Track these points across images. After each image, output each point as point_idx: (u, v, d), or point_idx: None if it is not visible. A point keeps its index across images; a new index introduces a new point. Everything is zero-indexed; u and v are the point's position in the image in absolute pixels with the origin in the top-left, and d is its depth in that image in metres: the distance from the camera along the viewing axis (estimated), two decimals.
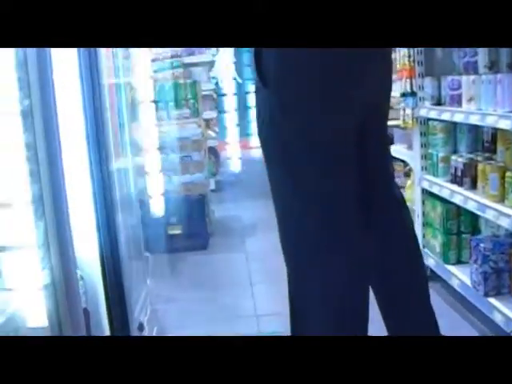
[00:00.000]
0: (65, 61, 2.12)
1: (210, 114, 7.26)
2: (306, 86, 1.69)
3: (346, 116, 1.76)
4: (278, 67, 1.70)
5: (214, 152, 7.29)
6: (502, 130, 2.84)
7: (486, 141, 3.31)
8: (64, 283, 1.62)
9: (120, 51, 3.20)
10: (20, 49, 1.53)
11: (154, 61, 6.98)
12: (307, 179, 1.75)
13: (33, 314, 1.70)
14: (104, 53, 2.57)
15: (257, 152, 9.11)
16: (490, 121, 2.67)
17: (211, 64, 7.85)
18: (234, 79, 9.38)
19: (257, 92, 1.83)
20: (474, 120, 2.83)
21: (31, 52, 1.52)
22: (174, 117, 4.87)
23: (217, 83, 8.25)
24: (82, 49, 2.20)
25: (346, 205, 1.77)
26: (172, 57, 7.11)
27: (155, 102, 4.82)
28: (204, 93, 6.76)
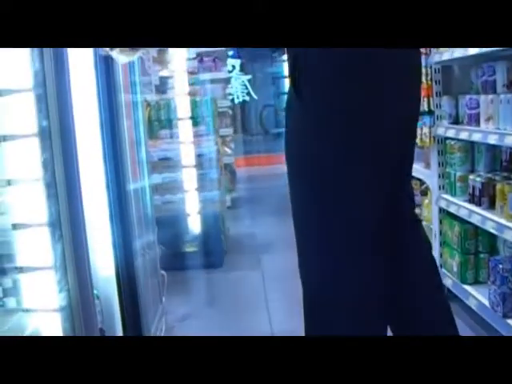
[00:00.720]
0: (82, 79, 2.14)
1: (226, 130, 7.27)
2: (346, 99, 1.66)
3: (386, 131, 1.72)
4: (317, 80, 1.67)
5: (230, 169, 7.30)
6: None
7: (504, 160, 3.29)
8: (81, 305, 1.62)
9: (137, 67, 3.22)
10: (39, 69, 1.54)
11: (169, 78, 7.09)
12: (339, 196, 1.70)
13: (50, 334, 1.70)
14: (121, 70, 2.59)
15: (273, 169, 9.15)
16: (509, 141, 2.65)
17: (227, 81, 7.88)
18: (249, 95, 9.85)
19: (289, 107, 1.79)
20: (493, 140, 2.81)
21: (49, 72, 1.53)
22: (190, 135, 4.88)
23: (233, 99, 8.25)
24: (99, 67, 2.21)
25: (375, 223, 1.73)
26: (188, 73, 7.21)
27: (170, 119, 4.90)
28: (220, 110, 6.79)
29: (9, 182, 1.57)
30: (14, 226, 1.59)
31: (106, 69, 2.29)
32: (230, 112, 7.60)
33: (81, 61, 2.11)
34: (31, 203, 1.60)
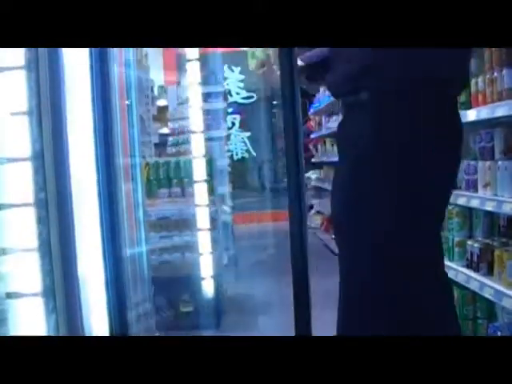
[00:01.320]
0: (77, 109, 2.07)
1: (224, 189, 7.18)
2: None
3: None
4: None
5: (227, 227, 7.27)
6: None
7: (502, 225, 3.28)
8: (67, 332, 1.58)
9: (136, 125, 3.23)
10: (33, 93, 1.56)
11: (168, 135, 6.98)
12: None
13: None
14: (119, 130, 2.58)
15: (271, 226, 9.11)
16: (507, 208, 2.65)
17: (226, 138, 7.91)
18: (248, 152, 9.94)
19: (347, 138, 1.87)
20: (490, 206, 2.81)
21: (44, 98, 1.55)
22: (189, 194, 4.86)
23: (232, 156, 8.35)
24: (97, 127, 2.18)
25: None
26: (188, 132, 7.22)
27: (169, 178, 4.89)
28: (219, 167, 6.78)
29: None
30: None
31: (104, 129, 2.27)
32: (229, 169, 7.60)
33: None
34: (21, 226, 1.58)
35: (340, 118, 2.00)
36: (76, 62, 1.77)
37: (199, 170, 4.84)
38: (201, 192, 4.80)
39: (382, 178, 1.76)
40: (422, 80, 1.70)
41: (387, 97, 1.74)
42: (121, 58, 2.76)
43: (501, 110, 2.68)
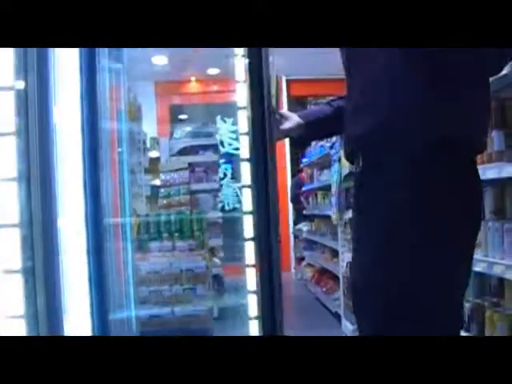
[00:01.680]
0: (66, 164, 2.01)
1: (215, 241, 7.08)
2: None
3: None
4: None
5: (218, 279, 7.22)
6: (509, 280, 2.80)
7: (493, 285, 3.27)
8: None
9: (127, 182, 3.22)
10: (21, 112, 1.51)
11: (160, 187, 7.08)
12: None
13: None
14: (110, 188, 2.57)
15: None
16: (498, 270, 2.64)
17: (218, 190, 7.92)
18: (240, 203, 9.68)
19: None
20: (481, 267, 2.80)
21: (32, 117, 1.51)
22: (179, 248, 4.86)
23: (223, 207, 8.32)
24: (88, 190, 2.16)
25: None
26: (179, 183, 7.20)
27: (160, 232, 4.88)
28: (210, 220, 6.75)
29: None
30: None
31: (94, 191, 2.24)
32: (221, 221, 7.57)
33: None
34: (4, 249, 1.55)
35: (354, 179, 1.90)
36: (67, 116, 1.73)
37: (190, 224, 4.86)
38: (192, 246, 4.80)
39: (400, 243, 1.65)
40: (439, 142, 1.62)
41: (401, 161, 1.65)
42: (112, 111, 2.72)
43: (491, 172, 2.69)
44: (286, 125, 2.06)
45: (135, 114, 4.89)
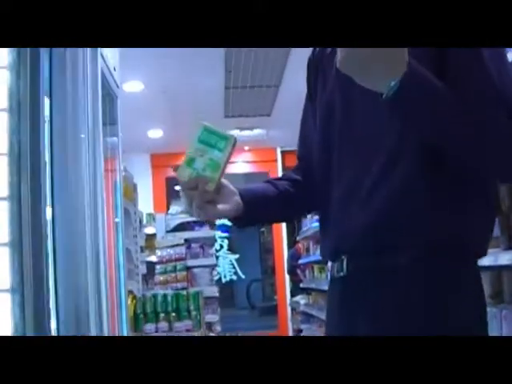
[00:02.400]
0: None
1: (212, 317, 7.20)
2: None
3: None
4: None
5: None
6: None
7: None
8: None
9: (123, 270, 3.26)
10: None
11: (157, 263, 7.16)
12: None
13: None
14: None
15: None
16: None
17: (214, 267, 8.25)
18: (236, 274, 10.02)
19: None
20: None
21: (25, 157, 1.60)
22: (176, 329, 4.85)
23: (220, 279, 8.80)
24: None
25: None
26: (176, 260, 7.34)
27: (156, 312, 4.90)
28: (207, 296, 6.79)
29: None
30: None
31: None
32: (217, 295, 7.58)
33: None
34: None
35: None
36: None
37: (187, 303, 4.94)
38: (188, 326, 4.83)
39: None
40: (442, 245, 1.42)
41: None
42: (108, 189, 2.82)
43: (487, 260, 2.44)
44: (222, 206, 1.53)
45: (131, 195, 4.88)
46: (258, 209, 1.67)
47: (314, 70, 1.69)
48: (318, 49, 1.66)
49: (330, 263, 1.68)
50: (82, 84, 2.24)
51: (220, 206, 1.55)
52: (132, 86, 6.96)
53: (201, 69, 6.65)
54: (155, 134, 9.49)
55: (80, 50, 2.23)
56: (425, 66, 1.30)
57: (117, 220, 3.19)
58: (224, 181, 1.54)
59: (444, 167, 1.40)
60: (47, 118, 1.96)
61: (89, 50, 2.29)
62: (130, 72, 6.09)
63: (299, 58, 6.57)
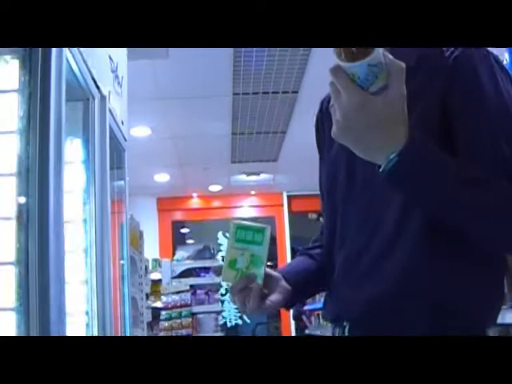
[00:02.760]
0: None
1: None
2: None
3: None
4: None
5: None
6: None
7: None
8: None
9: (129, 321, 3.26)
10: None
11: (162, 309, 7.20)
12: None
13: None
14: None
15: None
16: None
17: (219, 313, 8.23)
18: (242, 318, 9.43)
19: None
20: None
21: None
22: None
23: (225, 323, 8.50)
24: None
25: None
26: (181, 306, 7.40)
27: None
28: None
29: None
30: None
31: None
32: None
33: None
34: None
35: None
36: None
37: None
38: None
39: None
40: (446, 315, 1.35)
41: None
42: (114, 232, 2.77)
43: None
44: (275, 297, 1.48)
45: (137, 243, 4.96)
46: (305, 288, 1.64)
47: (322, 128, 1.65)
48: (324, 106, 1.62)
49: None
50: (92, 137, 2.28)
51: (273, 298, 1.50)
52: (139, 132, 7.01)
53: (208, 115, 6.72)
54: (162, 178, 9.51)
55: (89, 105, 2.27)
56: (429, 132, 1.26)
57: (122, 262, 3.17)
58: (267, 270, 1.49)
59: (448, 240, 1.33)
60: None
61: (97, 104, 2.32)
62: (137, 117, 6.14)
63: (306, 104, 6.72)
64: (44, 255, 1.59)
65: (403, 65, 1.11)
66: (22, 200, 1.59)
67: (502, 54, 2.43)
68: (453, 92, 1.30)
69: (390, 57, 1.10)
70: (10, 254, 1.58)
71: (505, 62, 2.44)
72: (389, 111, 1.11)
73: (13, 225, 1.59)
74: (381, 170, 1.17)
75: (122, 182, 3.17)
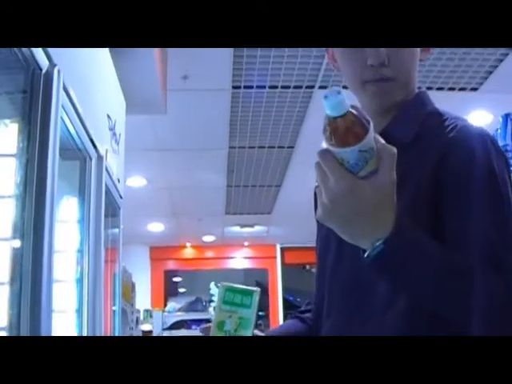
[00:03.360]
0: None
1: None
2: None
3: None
4: None
5: None
6: None
7: None
8: None
9: None
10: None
11: None
12: None
13: None
14: None
15: None
16: None
17: None
18: None
19: None
20: None
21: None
22: None
23: None
24: None
25: None
26: None
27: None
28: None
29: None
30: None
31: None
32: None
33: None
34: None
35: None
36: None
37: None
38: None
39: None
40: None
41: None
42: (106, 294, 2.74)
43: None
44: None
45: (129, 295, 4.96)
46: None
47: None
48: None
49: None
50: (88, 197, 2.29)
51: None
52: (135, 182, 7.04)
53: (204, 167, 6.76)
54: (156, 227, 9.50)
55: (86, 165, 2.29)
56: (418, 215, 1.24)
57: (114, 308, 3.15)
58: (255, 332, 1.48)
59: (431, 321, 1.27)
60: None
61: (94, 164, 2.34)
62: (133, 168, 6.19)
63: (301, 159, 6.73)
64: (36, 318, 1.58)
65: (395, 150, 1.07)
66: (16, 265, 1.59)
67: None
68: (446, 173, 1.29)
69: (382, 141, 1.06)
70: (2, 319, 1.57)
71: None
72: (377, 197, 1.08)
73: (6, 289, 1.58)
74: (365, 255, 1.13)
75: (116, 230, 3.15)
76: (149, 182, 7.21)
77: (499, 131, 2.62)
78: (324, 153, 1.06)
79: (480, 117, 5.41)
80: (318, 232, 1.64)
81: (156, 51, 3.47)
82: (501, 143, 2.56)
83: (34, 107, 1.65)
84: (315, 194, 1.65)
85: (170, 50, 4.12)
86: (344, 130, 1.00)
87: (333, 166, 1.06)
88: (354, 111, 1.00)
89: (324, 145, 1.05)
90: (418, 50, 1.40)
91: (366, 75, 1.37)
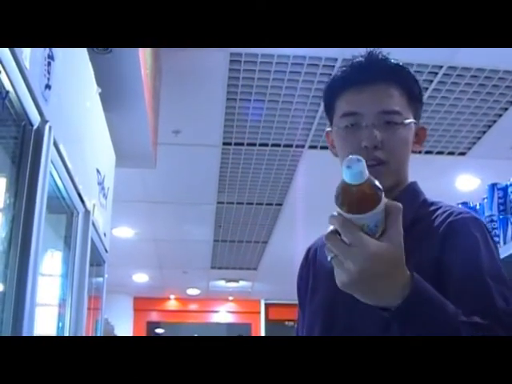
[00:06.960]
0: None
1: None
2: None
3: None
4: None
5: None
6: None
7: None
8: None
9: None
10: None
11: None
12: None
13: None
14: None
15: None
16: None
17: None
18: None
19: None
20: None
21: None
22: None
23: None
24: None
25: None
26: None
27: None
28: None
29: None
30: None
31: None
32: None
33: None
34: None
35: None
36: None
37: None
38: None
39: None
40: None
41: None
42: (88, 327, 2.73)
43: None
44: None
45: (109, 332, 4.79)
46: None
47: (306, 276, 1.62)
48: (311, 254, 1.62)
49: None
50: (73, 251, 2.27)
51: None
52: (122, 232, 7.01)
53: (191, 221, 6.76)
54: (140, 278, 9.45)
55: (73, 219, 2.28)
56: (426, 272, 1.23)
57: None
58: None
59: None
60: None
61: (80, 218, 2.33)
62: (121, 219, 6.17)
63: (289, 217, 6.75)
64: None
65: (400, 205, 1.09)
66: None
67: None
68: (449, 253, 1.32)
69: (385, 199, 1.07)
70: None
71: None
72: (394, 254, 1.08)
73: None
74: (387, 314, 1.14)
75: (100, 279, 3.13)
76: (136, 233, 7.20)
77: (485, 200, 2.65)
78: (343, 221, 1.04)
79: (467, 181, 5.49)
80: (302, 319, 1.59)
81: (148, 105, 3.49)
82: (487, 213, 2.60)
83: (23, 163, 1.65)
84: (307, 252, 1.65)
85: (162, 104, 4.16)
86: (366, 195, 1.00)
87: (356, 232, 1.04)
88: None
89: (335, 212, 1.03)
90: (411, 139, 1.43)
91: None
